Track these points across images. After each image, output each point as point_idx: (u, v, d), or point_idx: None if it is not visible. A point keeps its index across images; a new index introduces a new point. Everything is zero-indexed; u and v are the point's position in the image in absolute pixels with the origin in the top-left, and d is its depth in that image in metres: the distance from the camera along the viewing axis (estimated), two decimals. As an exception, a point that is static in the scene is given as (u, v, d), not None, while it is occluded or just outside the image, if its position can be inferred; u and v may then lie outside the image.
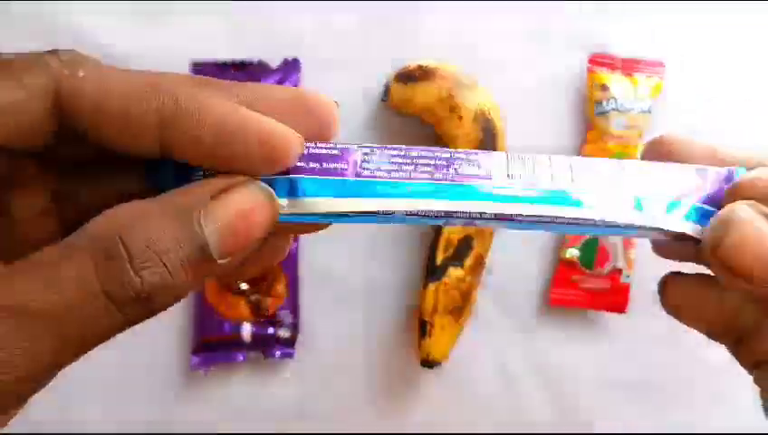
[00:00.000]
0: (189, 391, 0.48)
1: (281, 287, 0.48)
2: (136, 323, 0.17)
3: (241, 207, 0.17)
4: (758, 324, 0.22)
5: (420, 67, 0.46)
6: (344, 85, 0.49)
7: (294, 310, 0.48)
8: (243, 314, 0.48)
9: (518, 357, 0.50)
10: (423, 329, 0.46)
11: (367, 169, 0.20)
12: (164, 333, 0.48)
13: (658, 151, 0.23)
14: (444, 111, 0.46)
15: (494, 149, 0.46)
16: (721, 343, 0.23)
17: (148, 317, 0.17)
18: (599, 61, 0.49)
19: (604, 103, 0.48)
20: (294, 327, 0.48)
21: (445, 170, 0.20)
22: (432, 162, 0.20)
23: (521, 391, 0.50)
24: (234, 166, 0.18)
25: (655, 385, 0.50)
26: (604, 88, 0.48)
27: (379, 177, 0.20)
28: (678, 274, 0.23)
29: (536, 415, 0.50)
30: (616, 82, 0.48)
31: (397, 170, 0.20)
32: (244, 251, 0.17)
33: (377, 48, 0.49)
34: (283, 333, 0.48)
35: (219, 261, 0.17)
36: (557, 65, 0.50)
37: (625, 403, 0.50)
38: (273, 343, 0.48)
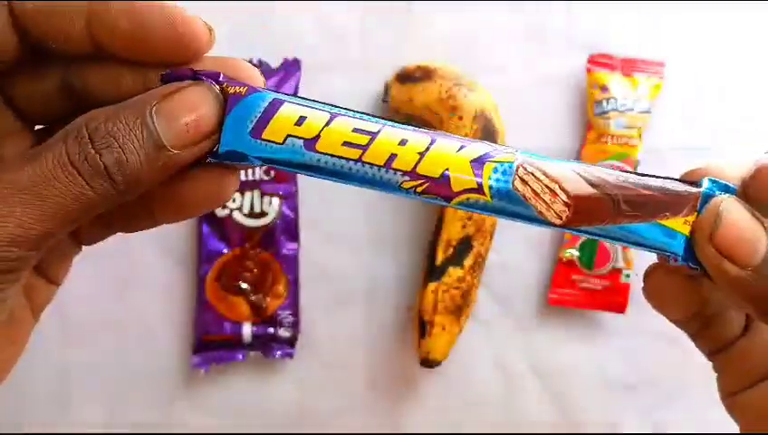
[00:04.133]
0: (189, 390, 0.48)
1: (281, 287, 0.48)
2: (108, 199, 0.19)
3: (187, 100, 0.20)
4: (720, 313, 0.24)
5: (420, 67, 0.46)
6: (344, 85, 0.49)
7: (294, 310, 0.48)
8: (243, 314, 0.48)
9: (518, 357, 0.50)
10: (423, 329, 0.46)
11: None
12: (164, 332, 0.48)
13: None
14: (444, 111, 0.46)
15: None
16: (683, 330, 0.25)
17: (117, 196, 0.19)
18: (598, 61, 0.49)
19: (604, 103, 0.48)
20: (294, 327, 0.48)
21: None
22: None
23: (521, 391, 0.50)
24: (152, 53, 0.21)
25: (655, 385, 0.50)
26: (604, 88, 0.48)
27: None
28: (661, 266, 0.24)
29: (536, 415, 0.50)
30: (616, 83, 0.48)
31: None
32: (194, 141, 0.20)
33: (377, 48, 0.49)
34: (283, 333, 0.48)
35: (173, 151, 0.19)
36: (557, 65, 0.50)
37: (624, 403, 0.50)
38: (273, 343, 0.48)
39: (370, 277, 0.49)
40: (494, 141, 0.46)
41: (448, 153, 0.20)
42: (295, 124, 0.20)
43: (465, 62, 0.47)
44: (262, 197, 0.48)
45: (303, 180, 0.49)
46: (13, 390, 0.45)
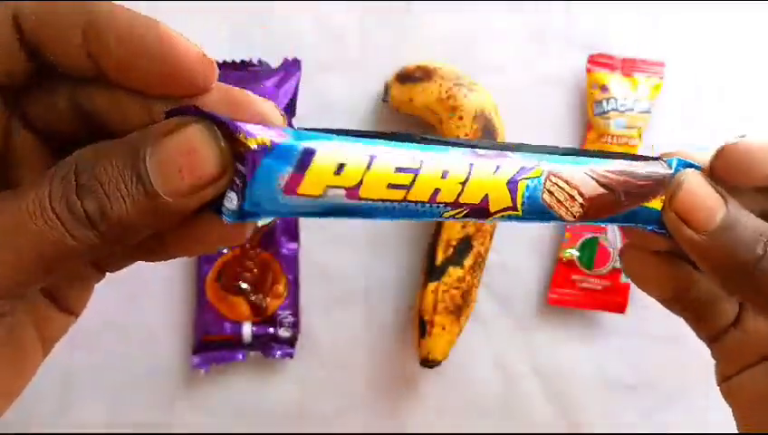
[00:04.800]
0: (189, 390, 0.48)
1: (281, 287, 0.48)
2: (94, 247, 0.18)
3: (183, 143, 0.18)
4: (712, 302, 0.25)
5: (420, 67, 0.46)
6: (344, 85, 0.49)
7: (294, 310, 0.48)
8: (243, 314, 0.48)
9: (518, 357, 0.50)
10: (423, 329, 0.46)
11: None
12: (164, 332, 0.48)
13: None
14: (444, 111, 0.46)
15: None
16: (681, 316, 0.26)
17: (104, 245, 0.18)
18: (598, 61, 0.49)
19: (604, 103, 0.48)
20: (294, 327, 0.48)
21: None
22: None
23: (520, 391, 0.50)
24: (143, 82, 0.18)
25: (654, 385, 0.50)
26: (604, 88, 0.48)
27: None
28: (632, 245, 0.26)
29: (536, 415, 0.50)
30: (615, 83, 0.48)
31: None
32: (191, 189, 0.18)
33: (377, 48, 0.49)
34: (283, 333, 0.48)
35: (166, 198, 0.17)
36: (557, 65, 0.50)
37: (624, 403, 0.50)
38: (273, 343, 0.48)
39: (370, 277, 0.49)
40: (494, 141, 0.46)
41: (487, 178, 0.21)
42: (335, 174, 0.19)
43: (465, 62, 0.47)
44: (262, 197, 0.48)
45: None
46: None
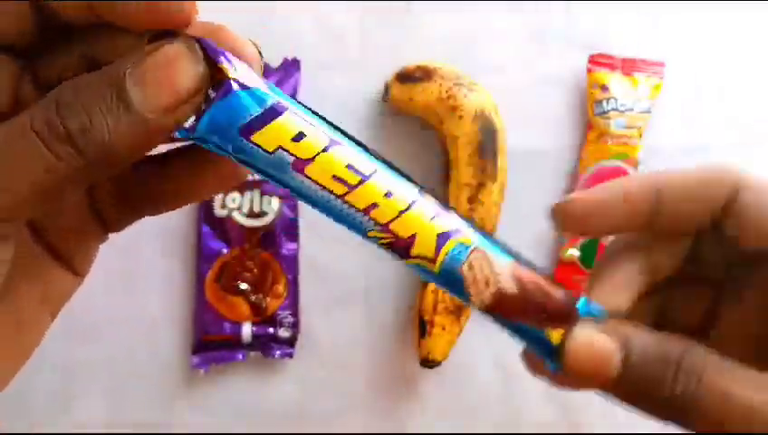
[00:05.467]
0: (189, 391, 0.48)
1: (281, 287, 0.48)
2: (80, 170, 0.18)
3: (163, 56, 0.18)
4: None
5: (420, 67, 0.46)
6: (344, 85, 0.49)
7: (294, 310, 0.48)
8: (243, 314, 0.48)
9: (518, 357, 0.50)
10: (423, 329, 0.46)
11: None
12: (164, 332, 0.48)
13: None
14: (444, 111, 0.46)
15: (495, 149, 0.46)
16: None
17: (89, 166, 0.18)
18: (598, 61, 0.49)
19: (604, 103, 0.48)
20: (294, 327, 0.48)
21: None
22: None
23: (521, 391, 0.50)
24: (132, 18, 0.19)
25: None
26: (604, 88, 0.48)
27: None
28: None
29: (536, 415, 0.50)
30: (616, 82, 0.48)
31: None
32: (169, 104, 0.18)
33: (377, 48, 0.49)
34: (283, 333, 0.48)
35: (147, 114, 0.18)
36: (557, 65, 0.50)
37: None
38: (273, 343, 0.48)
39: (370, 277, 0.49)
40: (494, 141, 0.46)
41: (423, 219, 0.21)
42: (292, 139, 0.19)
43: (465, 62, 0.47)
44: (261, 196, 0.48)
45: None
46: (14, 390, 0.45)
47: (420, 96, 0.46)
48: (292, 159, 0.19)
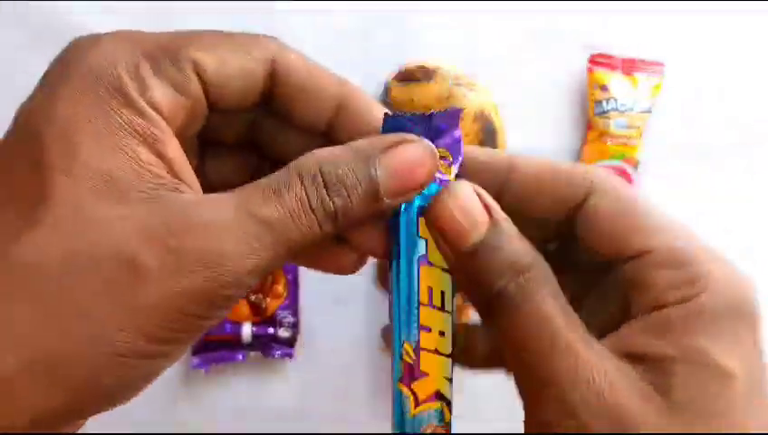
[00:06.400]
0: (189, 391, 0.48)
1: (281, 287, 0.48)
2: (326, 237, 0.20)
3: (407, 157, 0.21)
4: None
5: (420, 67, 0.46)
6: (344, 85, 0.49)
7: (294, 310, 0.48)
8: (243, 314, 0.48)
9: (518, 357, 0.50)
10: (423, 329, 0.46)
11: None
12: (164, 332, 0.48)
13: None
14: (444, 111, 0.46)
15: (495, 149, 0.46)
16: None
17: (333, 235, 0.21)
18: (599, 61, 0.49)
19: (604, 103, 0.48)
20: (294, 327, 0.48)
21: None
22: None
23: (521, 391, 0.50)
24: (312, 121, 0.24)
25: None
26: (604, 88, 0.48)
27: None
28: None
29: (536, 415, 0.50)
30: (616, 82, 0.48)
31: None
32: (406, 195, 0.21)
33: (377, 48, 0.49)
34: (283, 333, 0.48)
35: (386, 200, 0.20)
36: (557, 65, 0.50)
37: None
38: (273, 343, 0.48)
39: (370, 277, 0.49)
40: (494, 141, 0.46)
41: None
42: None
43: (465, 62, 0.47)
44: (262, 197, 0.48)
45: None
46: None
47: (420, 96, 0.46)
48: (424, 252, 0.22)
